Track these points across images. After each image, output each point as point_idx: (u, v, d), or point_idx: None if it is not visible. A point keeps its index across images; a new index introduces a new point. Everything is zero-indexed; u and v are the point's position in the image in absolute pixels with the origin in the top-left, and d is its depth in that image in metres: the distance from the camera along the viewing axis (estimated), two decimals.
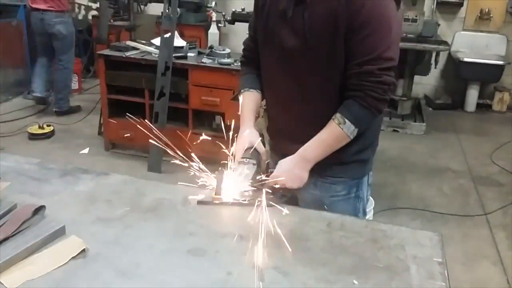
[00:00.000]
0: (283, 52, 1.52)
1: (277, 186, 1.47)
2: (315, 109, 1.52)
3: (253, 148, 1.56)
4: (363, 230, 1.32)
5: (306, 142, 1.50)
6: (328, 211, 1.44)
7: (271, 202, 1.37)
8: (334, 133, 1.46)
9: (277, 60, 1.56)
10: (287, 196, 1.61)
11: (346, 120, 1.43)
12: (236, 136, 1.59)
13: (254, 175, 1.48)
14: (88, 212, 1.35)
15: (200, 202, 1.41)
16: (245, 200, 1.41)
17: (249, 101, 1.67)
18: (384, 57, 1.40)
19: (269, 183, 1.46)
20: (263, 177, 1.47)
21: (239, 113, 1.66)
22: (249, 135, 1.59)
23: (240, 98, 1.69)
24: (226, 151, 1.52)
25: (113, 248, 1.19)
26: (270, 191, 1.41)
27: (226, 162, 1.50)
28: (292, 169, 1.50)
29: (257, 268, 1.13)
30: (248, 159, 1.54)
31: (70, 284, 1.06)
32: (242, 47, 1.78)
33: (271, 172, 1.51)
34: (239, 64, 1.87)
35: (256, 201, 1.37)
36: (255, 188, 1.44)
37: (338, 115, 1.45)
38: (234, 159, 1.53)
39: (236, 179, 1.46)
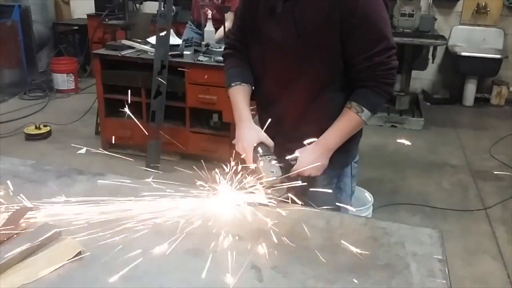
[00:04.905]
0: (274, 47, 1.54)
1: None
2: (307, 101, 1.52)
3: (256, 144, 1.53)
4: (362, 228, 1.31)
5: (297, 133, 1.49)
6: (309, 202, 1.44)
7: (269, 202, 1.36)
8: (353, 121, 1.53)
9: (267, 54, 1.56)
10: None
11: (364, 109, 1.51)
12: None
13: (280, 170, 1.44)
14: (83, 214, 1.33)
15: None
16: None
17: (243, 95, 1.65)
18: (389, 46, 1.48)
19: (294, 173, 1.47)
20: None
21: (233, 109, 1.64)
22: (253, 130, 1.57)
23: (231, 92, 1.66)
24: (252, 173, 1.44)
25: (110, 250, 1.17)
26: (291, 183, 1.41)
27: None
28: (315, 158, 1.52)
29: (256, 268, 1.12)
30: (266, 156, 1.48)
31: None
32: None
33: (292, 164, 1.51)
34: (223, 56, 1.80)
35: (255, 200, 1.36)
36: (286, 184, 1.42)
37: (354, 104, 1.51)
38: (246, 159, 1.49)
39: (265, 178, 1.41)
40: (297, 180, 1.43)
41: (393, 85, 1.54)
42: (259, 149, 1.50)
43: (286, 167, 1.48)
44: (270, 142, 1.54)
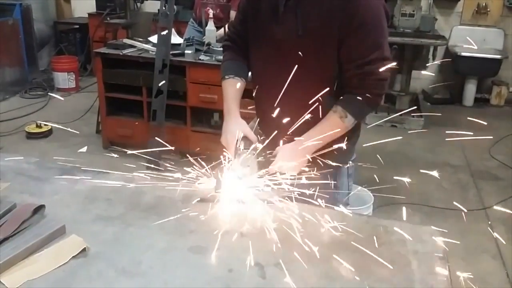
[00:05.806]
0: (274, 46, 1.55)
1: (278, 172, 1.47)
2: (304, 103, 1.53)
3: (241, 137, 1.56)
4: (364, 226, 1.32)
5: (293, 134, 1.50)
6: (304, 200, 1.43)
7: (272, 199, 1.37)
8: (335, 125, 1.52)
9: (267, 53, 1.58)
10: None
11: (348, 114, 1.51)
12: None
13: (257, 165, 1.47)
14: (88, 211, 1.35)
15: (201, 200, 1.41)
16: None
17: (234, 89, 1.68)
18: (382, 57, 1.46)
19: (271, 171, 1.46)
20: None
21: (223, 102, 1.66)
22: (238, 124, 1.60)
23: (224, 85, 1.69)
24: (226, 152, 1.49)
25: (114, 246, 1.19)
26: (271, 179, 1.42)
27: (225, 158, 1.49)
28: (293, 156, 1.51)
29: (259, 265, 1.13)
30: (246, 150, 1.52)
31: (71, 284, 1.05)
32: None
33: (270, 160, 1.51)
34: (222, 47, 1.83)
35: (258, 198, 1.37)
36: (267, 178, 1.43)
37: (339, 108, 1.51)
38: (229, 152, 1.52)
39: (240, 172, 1.44)
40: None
41: (381, 96, 1.54)
42: (241, 143, 1.54)
43: (264, 163, 1.50)
44: (253, 137, 1.58)
